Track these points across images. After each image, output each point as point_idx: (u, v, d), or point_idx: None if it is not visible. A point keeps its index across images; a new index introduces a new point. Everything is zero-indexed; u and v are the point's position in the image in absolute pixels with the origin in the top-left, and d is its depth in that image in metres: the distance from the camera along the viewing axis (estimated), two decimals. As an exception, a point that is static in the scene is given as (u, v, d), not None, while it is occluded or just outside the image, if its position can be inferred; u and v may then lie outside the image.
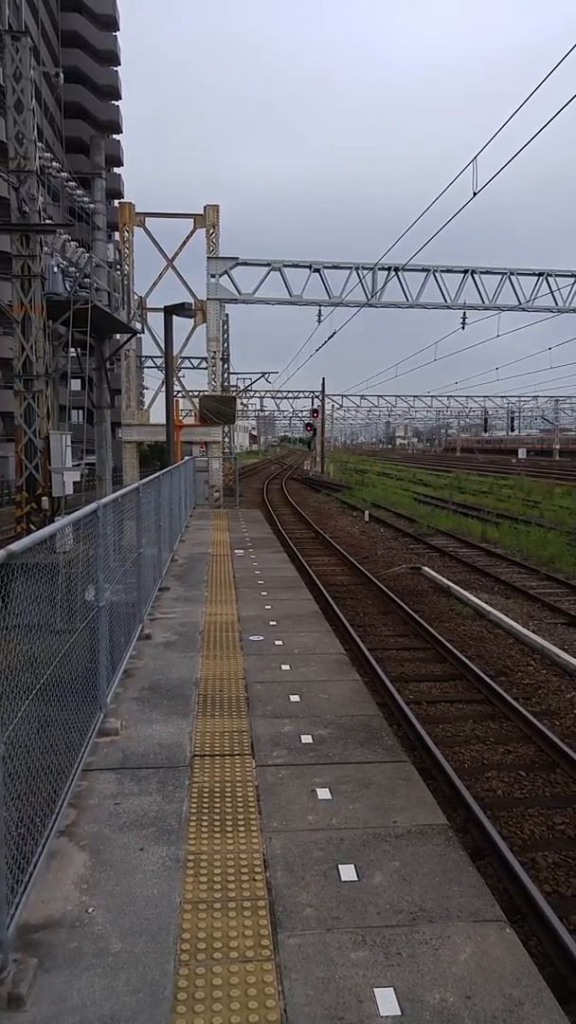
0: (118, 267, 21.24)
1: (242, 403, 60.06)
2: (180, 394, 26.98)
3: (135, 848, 3.92)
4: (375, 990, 2.94)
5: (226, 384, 31.27)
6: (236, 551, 14.64)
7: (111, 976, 2.99)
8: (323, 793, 4.53)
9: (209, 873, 3.70)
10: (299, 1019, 2.81)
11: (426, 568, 15.38)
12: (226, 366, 31.36)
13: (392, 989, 2.94)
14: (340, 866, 3.77)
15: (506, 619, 10.97)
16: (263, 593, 10.59)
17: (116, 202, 33.43)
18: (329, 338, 28.21)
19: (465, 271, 25.68)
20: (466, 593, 12.76)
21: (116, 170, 55.42)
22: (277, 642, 7.99)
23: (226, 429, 28.48)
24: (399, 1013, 2.83)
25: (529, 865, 4.88)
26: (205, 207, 24.90)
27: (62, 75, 20.29)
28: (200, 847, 3.92)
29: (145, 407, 28.88)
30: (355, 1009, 2.85)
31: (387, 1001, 2.89)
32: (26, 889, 3.34)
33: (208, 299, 24.70)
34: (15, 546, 3.22)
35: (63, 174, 17.43)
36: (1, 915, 2.92)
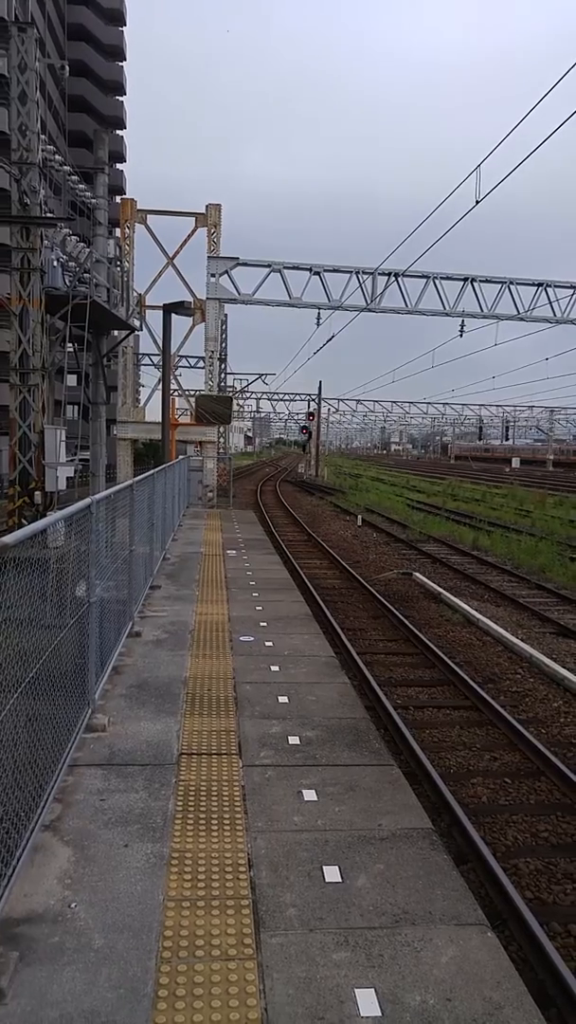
0: (118, 263, 21.21)
1: (238, 404, 60.06)
2: (176, 393, 26.97)
3: (120, 844, 3.92)
4: (356, 991, 2.95)
5: (223, 384, 31.26)
6: (228, 551, 14.64)
7: (92, 971, 2.99)
8: (309, 794, 4.54)
9: (193, 871, 3.70)
10: (280, 1018, 2.81)
11: (417, 574, 15.42)
12: (223, 366, 31.36)
13: (373, 990, 2.95)
14: (324, 867, 3.78)
15: (495, 627, 11.01)
16: (254, 594, 10.59)
17: (118, 198, 33.41)
18: (327, 341, 28.24)
19: (465, 279, 25.80)
20: (456, 600, 12.80)
21: (119, 166, 55.38)
22: (267, 643, 7.99)
23: (221, 429, 28.49)
24: (379, 1014, 2.84)
25: (512, 871, 4.90)
26: (207, 206, 24.93)
27: (67, 68, 20.23)
28: (185, 845, 3.92)
29: (141, 405, 28.85)
30: (336, 1009, 2.86)
31: (368, 1002, 2.90)
32: (9, 882, 3.34)
33: (207, 298, 24.71)
34: (9, 538, 3.22)
35: (65, 168, 17.40)
36: (-16, 907, 2.91)
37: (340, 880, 3.68)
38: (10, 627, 3.50)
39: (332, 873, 3.73)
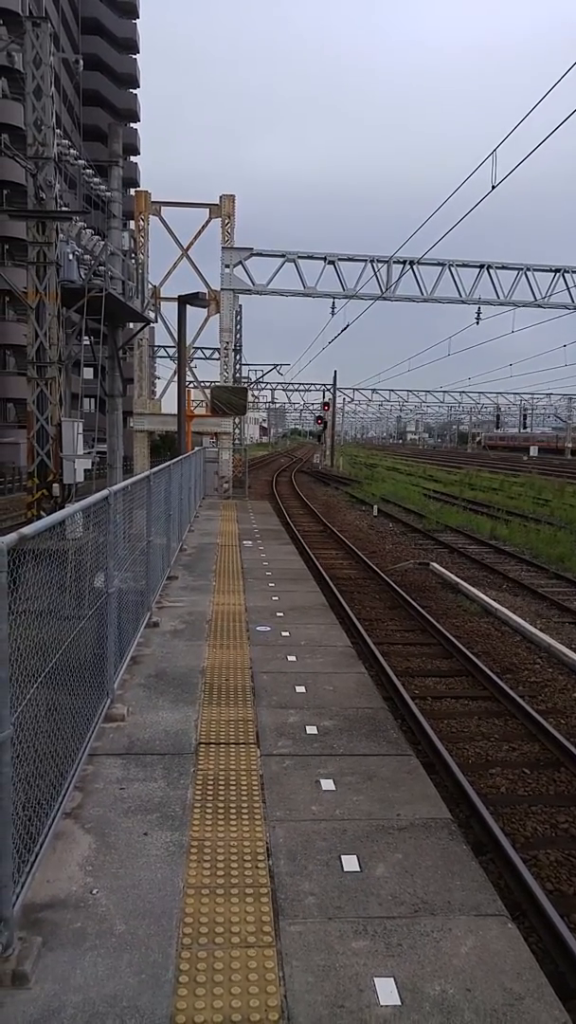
0: (133, 256, 21.21)
1: (253, 395, 59.94)
2: (192, 384, 26.99)
3: (139, 832, 3.95)
4: (375, 979, 2.96)
5: (238, 375, 31.22)
6: (244, 542, 14.67)
7: (114, 957, 3.03)
8: (327, 784, 4.55)
9: (212, 859, 3.73)
10: (299, 1005, 2.83)
11: (434, 564, 15.35)
12: (238, 357, 31.30)
13: (392, 979, 2.96)
14: (343, 856, 3.79)
15: (514, 617, 10.94)
16: (270, 584, 10.60)
17: (132, 190, 33.39)
18: (342, 331, 28.07)
19: (481, 266, 25.47)
20: (474, 590, 12.73)
21: (132, 158, 55.29)
22: (284, 633, 8.01)
23: (237, 420, 28.47)
24: (399, 1003, 2.85)
25: (531, 862, 4.88)
26: (221, 197, 24.81)
27: (81, 62, 20.19)
28: (204, 833, 3.95)
29: (157, 397, 28.91)
30: (355, 997, 2.87)
31: (387, 991, 2.90)
32: (32, 868, 3.38)
33: (222, 289, 24.66)
34: (27, 529, 3.24)
35: (80, 161, 17.40)
36: (7, 893, 2.95)
37: (358, 869, 3.69)
38: (30, 618, 3.53)
39: (350, 862, 3.74)
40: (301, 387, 66.45)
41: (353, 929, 3.25)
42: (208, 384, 27.56)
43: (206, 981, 2.92)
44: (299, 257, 24.69)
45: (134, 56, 56.62)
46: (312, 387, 65.66)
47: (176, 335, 17.83)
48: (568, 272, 25.65)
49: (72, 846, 3.80)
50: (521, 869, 4.57)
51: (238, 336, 28.99)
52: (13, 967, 2.88)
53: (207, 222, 25.02)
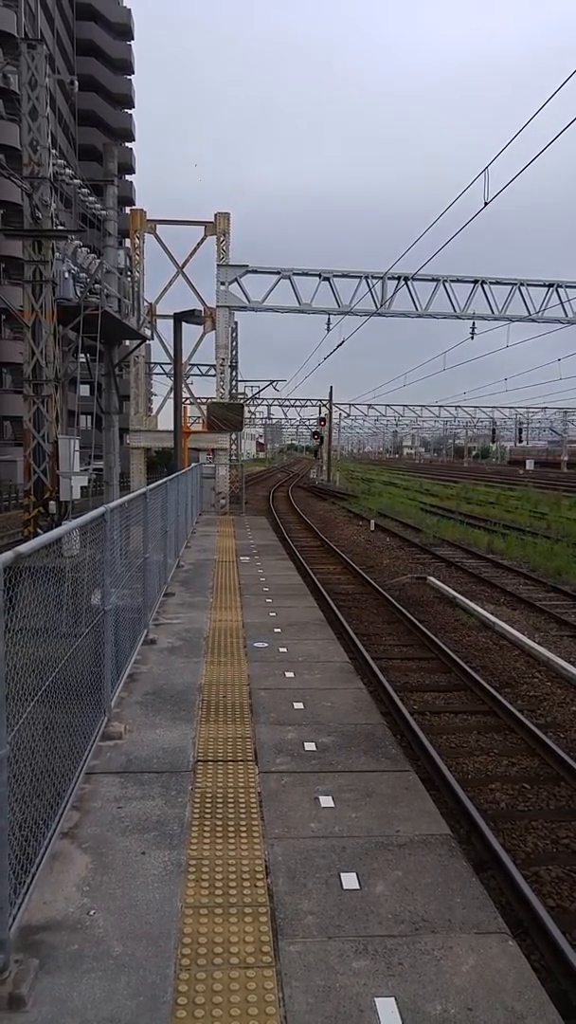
0: (128, 273, 21.37)
1: (250, 411, 60.17)
2: (188, 401, 27.10)
3: (137, 852, 3.92)
4: (376, 1000, 2.93)
5: (234, 391, 31.37)
6: (241, 558, 14.65)
7: (112, 979, 2.99)
8: (326, 801, 4.52)
9: (211, 878, 3.70)
10: (299, 1027, 2.79)
11: (432, 578, 15.35)
12: (234, 373, 31.46)
13: (393, 999, 2.93)
14: (342, 874, 3.76)
15: (512, 630, 10.93)
16: (268, 600, 10.58)
17: (127, 209, 33.70)
18: (338, 347, 28.25)
19: (475, 281, 25.72)
20: (472, 604, 12.72)
21: (128, 177, 55.91)
22: (281, 649, 7.98)
23: (233, 436, 28.57)
24: (400, 1023, 2.82)
25: (532, 879, 4.84)
26: (216, 215, 25.06)
27: (77, 83, 20.41)
28: (202, 852, 3.92)
29: (153, 413, 29.00)
30: (355, 1018, 2.84)
31: (388, 1011, 2.87)
32: (28, 890, 3.35)
33: (217, 306, 24.82)
34: (23, 547, 3.24)
35: (76, 181, 17.59)
36: (3, 915, 2.92)
37: (358, 887, 3.66)
38: (26, 636, 3.52)
39: (350, 880, 3.71)
40: (297, 403, 66.70)
41: (353, 948, 3.22)
42: (204, 400, 27.67)
43: (204, 1003, 2.88)
44: (294, 274, 24.90)
45: (129, 77, 57.43)
46: (308, 402, 65.91)
47: (172, 352, 17.93)
48: (561, 287, 25.91)
49: (69, 866, 3.77)
50: (522, 886, 4.54)
51: (234, 352, 29.17)
52: (10, 990, 2.84)
53: (202, 239, 25.24)
